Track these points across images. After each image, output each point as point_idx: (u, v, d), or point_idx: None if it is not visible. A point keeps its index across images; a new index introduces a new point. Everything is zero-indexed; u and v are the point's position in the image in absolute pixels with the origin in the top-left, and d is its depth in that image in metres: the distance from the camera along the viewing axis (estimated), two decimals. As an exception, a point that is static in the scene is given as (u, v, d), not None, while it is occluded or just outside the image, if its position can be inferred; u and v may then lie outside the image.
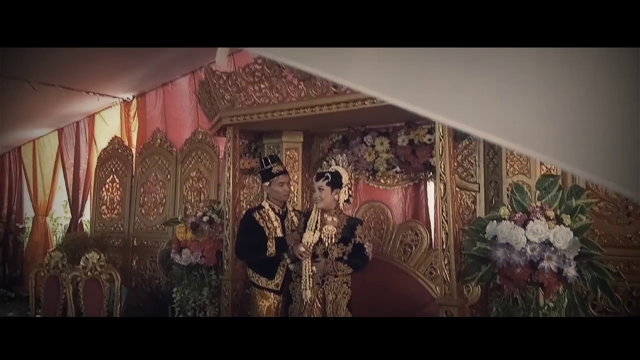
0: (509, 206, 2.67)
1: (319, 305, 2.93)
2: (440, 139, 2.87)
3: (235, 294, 3.78)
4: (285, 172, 3.27)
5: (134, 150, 6.11)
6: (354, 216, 3.59)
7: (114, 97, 6.42)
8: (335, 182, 2.94)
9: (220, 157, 5.07)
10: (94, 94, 6.05)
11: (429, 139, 3.59)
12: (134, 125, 6.54)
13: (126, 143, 6.27)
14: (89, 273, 3.80)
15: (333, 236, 2.94)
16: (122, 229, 5.78)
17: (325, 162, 3.93)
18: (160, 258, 4.83)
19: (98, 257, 3.85)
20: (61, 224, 8.04)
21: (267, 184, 3.22)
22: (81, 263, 3.84)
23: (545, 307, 2.54)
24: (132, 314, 4.61)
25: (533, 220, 2.48)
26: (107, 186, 5.96)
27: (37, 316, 4.08)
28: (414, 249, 3.68)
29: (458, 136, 3.46)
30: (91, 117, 7.03)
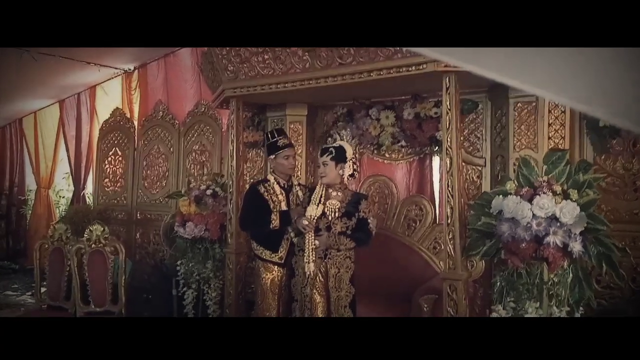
0: (516, 181, 2.66)
1: (322, 279, 2.96)
2: (447, 112, 2.85)
3: (239, 267, 3.82)
4: (291, 145, 3.27)
5: (135, 123, 6.10)
6: (358, 191, 3.60)
7: (115, 68, 6.38)
8: (340, 156, 2.94)
9: (223, 130, 5.05)
10: (94, 64, 6.00)
11: (435, 113, 3.56)
12: (136, 97, 6.51)
13: (128, 115, 6.26)
14: (93, 245, 3.84)
15: (337, 210, 2.95)
16: (125, 202, 5.81)
17: (329, 138, 3.93)
18: (164, 231, 4.87)
19: (102, 229, 3.89)
20: (63, 197, 8.09)
21: (272, 157, 3.23)
22: (85, 235, 3.87)
23: (550, 282, 2.56)
24: (137, 286, 4.68)
25: (539, 195, 2.48)
26: (109, 159, 5.98)
27: (41, 290, 4.14)
28: (418, 223, 3.69)
29: (465, 110, 3.44)
30: (92, 89, 7.00)
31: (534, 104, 3.11)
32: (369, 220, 2.95)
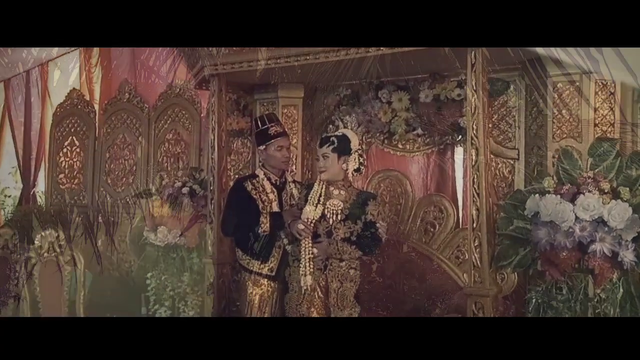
0: (555, 177, 2.68)
1: (321, 295, 2.96)
2: (473, 94, 2.85)
3: (221, 281, 3.81)
4: (284, 133, 3.27)
5: (96, 107, 6.10)
6: (365, 189, 3.60)
7: (72, 41, 6.35)
8: (343, 148, 2.93)
9: (202, 115, 5.05)
10: (47, 37, 5.97)
11: (459, 95, 3.56)
12: (97, 75, 6.52)
13: (87, 97, 6.25)
14: (45, 254, 3.84)
15: (339, 212, 2.94)
16: (84, 202, 5.80)
17: (331, 125, 3.92)
18: (131, 237, 4.88)
19: (56, 235, 3.88)
20: (9, 196, 8.08)
21: (262, 147, 3.23)
22: (36, 242, 3.87)
23: (596, 299, 2.58)
24: (98, 303, 4.66)
25: (584, 194, 2.49)
26: (65, 150, 5.96)
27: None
28: (437, 228, 3.70)
29: (494, 91, 3.43)
30: (44, 66, 6.98)
31: (577, 84, 3.09)
32: (377, 225, 2.94)
